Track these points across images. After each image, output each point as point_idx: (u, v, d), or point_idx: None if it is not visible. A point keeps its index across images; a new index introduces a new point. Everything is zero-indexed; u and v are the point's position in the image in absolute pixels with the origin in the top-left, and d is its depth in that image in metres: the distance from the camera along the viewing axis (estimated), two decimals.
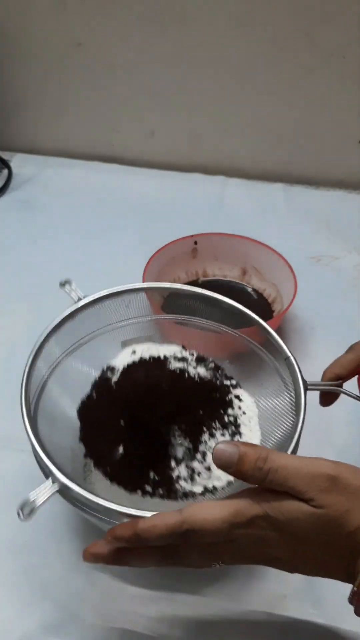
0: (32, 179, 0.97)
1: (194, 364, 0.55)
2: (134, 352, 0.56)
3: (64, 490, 0.41)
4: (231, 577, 0.50)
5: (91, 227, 0.88)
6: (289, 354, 0.50)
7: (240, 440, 0.51)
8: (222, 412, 0.51)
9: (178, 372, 0.51)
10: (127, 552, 0.39)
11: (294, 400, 0.48)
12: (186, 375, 0.51)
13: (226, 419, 0.51)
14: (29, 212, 0.91)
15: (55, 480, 0.41)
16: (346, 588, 0.37)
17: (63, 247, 0.84)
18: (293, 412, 0.48)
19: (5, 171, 0.97)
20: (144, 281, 0.67)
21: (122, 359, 0.55)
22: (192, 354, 0.57)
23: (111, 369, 0.55)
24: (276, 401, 0.52)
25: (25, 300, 0.74)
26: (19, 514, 0.39)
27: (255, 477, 0.37)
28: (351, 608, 0.38)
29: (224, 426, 0.50)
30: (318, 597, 0.49)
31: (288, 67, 0.88)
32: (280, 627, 0.48)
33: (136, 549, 0.38)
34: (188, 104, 0.95)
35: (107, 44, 0.91)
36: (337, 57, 0.86)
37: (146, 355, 0.55)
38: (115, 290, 0.55)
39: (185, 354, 0.56)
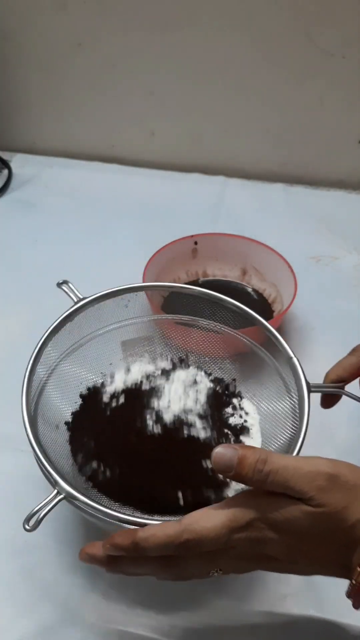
0: (32, 179, 0.97)
1: (199, 375, 0.55)
2: (128, 370, 0.56)
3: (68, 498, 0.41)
4: (231, 578, 0.50)
5: (91, 227, 0.88)
6: (292, 355, 0.50)
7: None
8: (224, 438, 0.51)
9: (178, 422, 0.50)
10: (124, 558, 0.38)
11: (296, 402, 0.48)
12: (187, 430, 0.50)
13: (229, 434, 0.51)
14: (29, 212, 0.91)
15: (61, 491, 0.40)
16: (346, 587, 0.37)
17: (63, 247, 0.84)
18: (295, 414, 0.48)
19: (6, 171, 0.97)
20: (144, 281, 0.67)
21: (117, 382, 0.56)
22: (185, 360, 0.57)
23: (104, 390, 0.55)
24: (278, 404, 0.52)
25: (25, 300, 0.74)
26: (24, 527, 0.39)
27: (255, 480, 0.37)
28: (352, 608, 0.38)
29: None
30: (318, 597, 0.49)
31: (288, 67, 0.88)
32: (280, 627, 0.48)
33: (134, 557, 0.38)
34: (188, 104, 0.95)
35: (107, 44, 0.91)
36: (337, 57, 0.86)
37: (141, 376, 0.55)
38: (113, 290, 0.54)
39: (188, 370, 0.56)
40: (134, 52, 0.91)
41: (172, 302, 0.62)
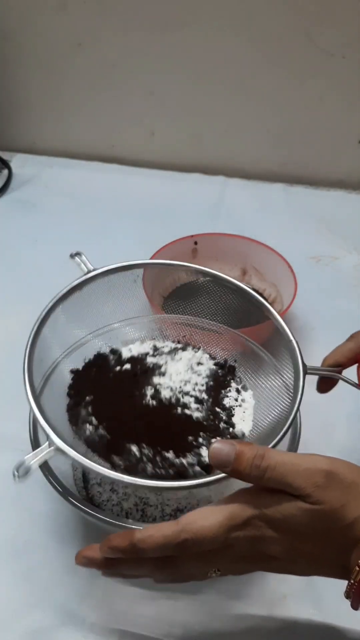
0: (32, 179, 0.97)
1: (204, 358, 0.55)
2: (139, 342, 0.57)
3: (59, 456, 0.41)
4: (231, 577, 0.50)
5: (91, 227, 0.88)
6: (292, 338, 0.50)
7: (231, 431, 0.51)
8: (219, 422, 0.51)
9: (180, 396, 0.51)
10: (121, 560, 0.38)
11: (292, 383, 0.48)
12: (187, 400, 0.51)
13: (222, 422, 0.51)
14: (29, 212, 0.91)
15: (52, 444, 0.41)
16: (345, 587, 0.37)
17: (63, 247, 0.83)
18: (290, 395, 0.48)
19: (5, 171, 0.97)
20: (144, 281, 0.67)
21: (124, 352, 0.56)
22: (195, 349, 0.57)
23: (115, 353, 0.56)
24: (273, 382, 0.52)
25: (25, 300, 0.74)
26: (14, 475, 0.39)
27: (252, 476, 0.37)
28: (349, 605, 0.38)
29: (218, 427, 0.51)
30: (318, 597, 0.49)
31: (288, 67, 0.88)
32: (280, 627, 0.48)
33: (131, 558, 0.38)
34: (188, 104, 0.95)
35: (107, 44, 0.91)
36: (337, 57, 0.86)
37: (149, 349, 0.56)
38: (124, 264, 0.55)
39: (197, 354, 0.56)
40: (134, 52, 0.91)
41: (172, 302, 0.62)
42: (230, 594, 0.49)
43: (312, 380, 0.50)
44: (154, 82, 0.94)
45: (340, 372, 0.49)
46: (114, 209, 0.92)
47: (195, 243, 0.76)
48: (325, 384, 0.51)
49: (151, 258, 0.71)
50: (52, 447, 0.41)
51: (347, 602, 0.38)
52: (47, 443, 0.41)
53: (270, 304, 0.73)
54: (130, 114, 0.98)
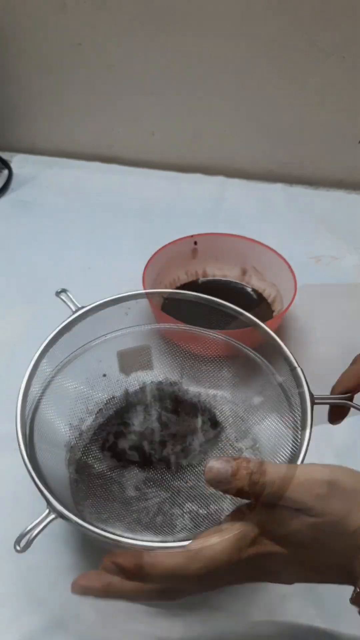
0: (32, 179, 0.97)
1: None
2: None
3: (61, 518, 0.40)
4: None
5: (91, 227, 0.88)
6: (296, 365, 0.48)
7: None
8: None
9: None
10: (121, 588, 0.36)
11: (299, 416, 0.46)
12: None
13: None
14: (29, 212, 0.91)
15: (53, 510, 0.40)
16: (347, 588, 0.37)
17: (63, 247, 0.84)
18: (297, 428, 0.46)
19: (5, 171, 0.97)
20: (143, 281, 0.67)
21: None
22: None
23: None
24: (278, 419, 0.50)
25: (24, 301, 0.74)
26: (15, 548, 0.38)
27: (251, 493, 0.35)
28: (351, 607, 0.37)
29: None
30: (318, 597, 0.49)
31: (288, 67, 0.88)
32: (280, 627, 0.48)
33: (133, 584, 0.36)
34: (188, 104, 0.95)
35: (107, 44, 0.91)
36: (337, 57, 0.86)
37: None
38: (113, 298, 0.53)
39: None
40: (134, 52, 0.91)
41: (173, 303, 0.62)
42: (230, 593, 0.49)
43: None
44: (154, 82, 0.94)
45: (351, 399, 0.47)
46: (114, 209, 0.92)
47: (195, 243, 0.76)
48: (337, 414, 0.49)
49: (151, 258, 0.71)
50: (53, 516, 0.40)
51: (348, 602, 0.37)
52: (47, 511, 0.40)
53: (270, 304, 0.74)
54: (130, 114, 0.98)
